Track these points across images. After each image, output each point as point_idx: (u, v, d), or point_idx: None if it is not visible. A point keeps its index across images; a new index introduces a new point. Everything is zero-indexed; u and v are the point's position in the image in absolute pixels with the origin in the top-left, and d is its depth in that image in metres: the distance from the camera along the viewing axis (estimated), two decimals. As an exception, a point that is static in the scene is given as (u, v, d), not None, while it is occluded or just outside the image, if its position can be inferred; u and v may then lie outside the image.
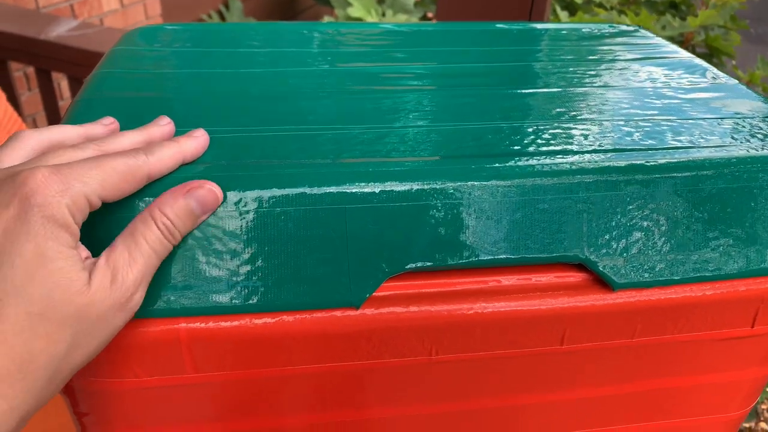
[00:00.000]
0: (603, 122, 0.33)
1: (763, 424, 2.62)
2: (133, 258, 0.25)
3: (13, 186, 0.23)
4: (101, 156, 0.26)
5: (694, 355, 0.34)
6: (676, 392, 0.36)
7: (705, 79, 0.40)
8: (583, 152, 0.30)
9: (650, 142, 0.32)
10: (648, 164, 0.30)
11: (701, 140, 0.32)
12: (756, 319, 0.33)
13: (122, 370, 0.28)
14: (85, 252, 0.26)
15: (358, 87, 0.36)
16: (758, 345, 0.34)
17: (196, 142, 0.29)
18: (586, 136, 0.32)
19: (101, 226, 0.26)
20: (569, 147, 0.31)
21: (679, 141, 0.32)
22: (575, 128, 0.33)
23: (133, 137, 0.28)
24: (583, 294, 0.30)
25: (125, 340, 0.27)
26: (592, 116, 0.34)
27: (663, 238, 0.30)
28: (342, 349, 0.29)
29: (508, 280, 0.30)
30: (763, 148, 0.32)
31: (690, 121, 0.34)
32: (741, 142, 0.32)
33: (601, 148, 0.31)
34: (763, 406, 2.72)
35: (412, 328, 0.29)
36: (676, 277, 0.30)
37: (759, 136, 0.33)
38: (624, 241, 0.30)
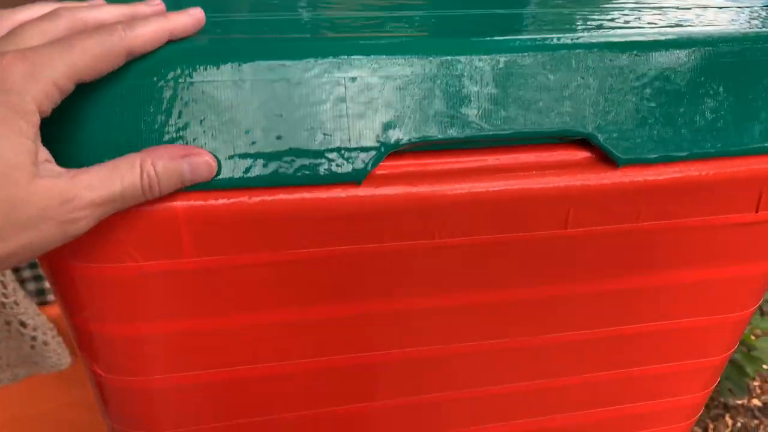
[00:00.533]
0: (605, 6, 0.33)
1: (755, 401, 2.64)
2: (100, 192, 0.24)
3: None
4: (73, 36, 0.24)
5: (699, 244, 0.33)
6: (683, 289, 0.35)
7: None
8: (586, 29, 0.30)
9: (654, 19, 0.31)
10: (650, 39, 0.30)
11: (704, 19, 0.32)
12: (760, 202, 0.32)
13: (119, 254, 0.28)
14: (45, 155, 0.24)
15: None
16: (763, 234, 0.34)
17: (189, 18, 0.28)
18: (588, 17, 0.32)
19: (78, 105, 0.25)
20: (571, 26, 0.30)
21: (683, 19, 0.32)
22: (578, 11, 0.32)
23: (114, 10, 0.27)
24: (588, 171, 0.30)
25: (122, 220, 0.27)
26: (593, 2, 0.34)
27: (666, 113, 0.30)
28: (343, 231, 0.29)
29: (510, 158, 0.29)
30: (763, 27, 0.31)
31: (693, 4, 0.34)
32: (743, 22, 0.32)
33: (603, 26, 0.31)
34: (756, 383, 2.74)
35: (415, 207, 0.29)
36: (679, 153, 0.30)
37: (760, 18, 0.33)
38: (628, 115, 0.29)
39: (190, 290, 0.29)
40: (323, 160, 0.27)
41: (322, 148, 0.27)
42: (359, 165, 0.27)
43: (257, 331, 0.32)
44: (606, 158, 0.30)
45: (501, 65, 0.28)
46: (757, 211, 0.33)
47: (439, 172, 0.29)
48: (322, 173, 0.27)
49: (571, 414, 0.40)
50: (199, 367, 0.32)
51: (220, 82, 0.26)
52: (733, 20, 0.32)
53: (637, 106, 0.29)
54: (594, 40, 0.29)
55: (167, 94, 0.26)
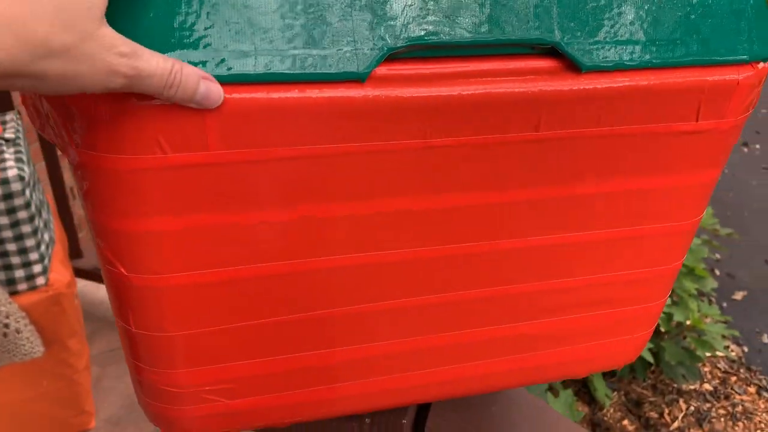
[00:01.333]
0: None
1: (706, 385, 2.76)
2: (144, 63, 0.27)
3: None
4: None
5: (649, 151, 0.39)
6: (637, 195, 0.41)
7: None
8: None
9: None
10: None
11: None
12: (699, 111, 0.38)
13: (150, 145, 0.31)
14: None
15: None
16: (704, 143, 0.40)
17: None
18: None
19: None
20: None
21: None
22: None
23: None
24: (557, 78, 0.35)
25: (153, 113, 0.30)
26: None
27: (620, 27, 0.35)
28: (347, 128, 0.33)
29: (491, 65, 0.34)
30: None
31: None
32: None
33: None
34: (706, 368, 2.87)
35: (409, 106, 0.33)
36: (631, 62, 0.35)
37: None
38: (590, 27, 0.34)
39: (213, 184, 0.33)
40: (332, 61, 0.31)
41: (332, 50, 0.31)
42: (363, 63, 0.32)
43: (268, 229, 0.36)
44: (572, 66, 0.35)
45: (481, -17, 0.33)
46: (697, 120, 0.38)
47: (429, 75, 0.33)
48: (332, 71, 0.32)
49: (530, 322, 0.45)
50: (220, 263, 0.36)
51: (242, -12, 0.30)
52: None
53: (597, 20, 0.35)
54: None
55: (197, -3, 0.29)
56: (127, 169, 0.32)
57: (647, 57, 0.36)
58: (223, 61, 0.30)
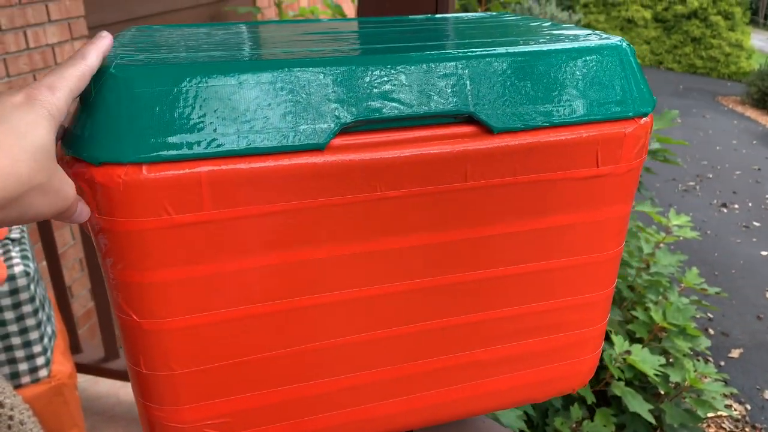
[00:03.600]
0: (481, 38, 0.49)
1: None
2: (73, 185, 0.38)
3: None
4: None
5: (563, 193, 0.48)
6: (559, 231, 0.49)
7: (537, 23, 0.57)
8: (466, 46, 0.46)
9: (510, 44, 0.47)
10: (504, 51, 0.45)
11: (535, 41, 0.48)
12: (598, 159, 0.47)
13: (157, 209, 0.40)
14: None
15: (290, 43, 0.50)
16: (608, 185, 0.49)
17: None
18: (473, 42, 0.47)
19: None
20: (459, 44, 0.46)
21: (522, 42, 0.48)
22: (466, 41, 0.48)
23: None
24: (475, 139, 0.44)
25: (160, 183, 0.39)
26: (472, 38, 0.50)
27: (525, 95, 0.45)
28: (312, 187, 0.42)
29: (423, 133, 0.44)
30: (572, 43, 0.48)
31: (527, 36, 0.50)
32: (559, 41, 0.48)
33: (482, 45, 0.46)
34: (711, 429, 2.84)
35: (361, 167, 0.42)
36: (537, 123, 0.45)
37: (569, 39, 0.49)
38: (497, 97, 0.44)
39: (207, 237, 0.41)
40: (298, 136, 0.41)
41: (297, 127, 0.41)
42: (322, 136, 0.41)
43: (253, 273, 0.44)
44: (486, 129, 0.44)
45: (411, 71, 0.43)
46: (597, 166, 0.47)
47: (375, 143, 0.43)
48: (298, 143, 0.41)
49: (483, 350, 0.52)
50: (216, 306, 0.44)
51: (226, 86, 0.40)
52: (564, 41, 0.48)
53: (503, 93, 0.44)
54: (471, 54, 0.45)
55: (192, 94, 0.39)
56: (140, 229, 0.40)
57: (549, 118, 0.45)
58: (213, 140, 0.39)
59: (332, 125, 0.41)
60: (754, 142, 6.78)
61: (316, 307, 0.46)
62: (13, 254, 1.25)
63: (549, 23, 0.58)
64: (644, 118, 0.48)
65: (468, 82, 0.44)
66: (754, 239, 4.38)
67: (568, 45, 0.47)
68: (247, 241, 0.42)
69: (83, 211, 0.41)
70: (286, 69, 0.41)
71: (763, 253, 4.20)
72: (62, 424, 1.30)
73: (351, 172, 0.42)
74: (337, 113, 0.41)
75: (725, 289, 3.58)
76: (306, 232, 0.43)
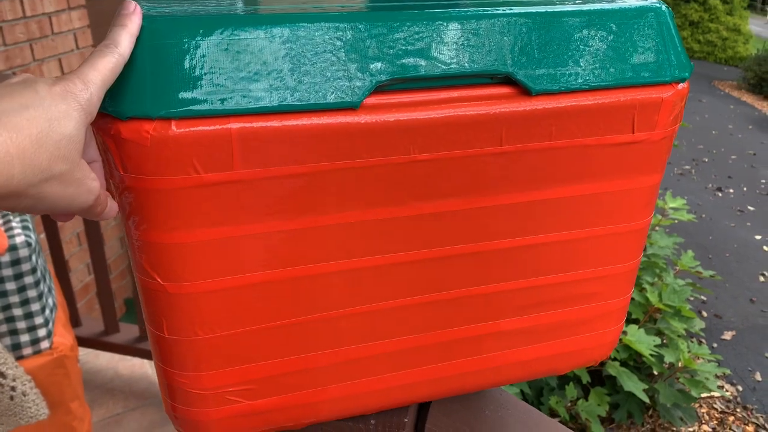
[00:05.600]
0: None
1: (705, 426, 2.77)
2: (96, 179, 0.38)
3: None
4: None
5: (597, 159, 0.46)
6: (590, 199, 0.48)
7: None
8: (507, 5, 0.44)
9: (549, 3, 0.46)
10: (549, 10, 0.44)
11: (572, 2, 0.47)
12: (634, 125, 0.46)
13: (185, 167, 0.38)
14: None
15: None
16: (642, 152, 0.48)
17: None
18: (512, 1, 0.46)
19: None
20: (496, 5, 0.44)
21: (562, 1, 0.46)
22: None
23: None
24: (512, 101, 0.43)
25: (188, 139, 0.37)
26: None
27: (563, 56, 0.43)
28: (345, 147, 0.40)
29: (459, 93, 0.42)
30: (611, 4, 0.46)
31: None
32: (597, 2, 0.47)
33: (520, 4, 0.45)
34: (703, 410, 2.88)
35: (394, 128, 0.41)
36: (574, 85, 0.43)
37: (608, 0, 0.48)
38: (537, 59, 0.43)
39: (236, 198, 0.40)
40: (331, 93, 0.39)
41: (331, 85, 0.39)
42: (356, 94, 0.40)
43: (281, 237, 0.42)
44: (524, 90, 0.43)
45: (448, 29, 0.41)
46: (633, 132, 0.46)
47: (409, 103, 0.41)
48: (332, 101, 0.39)
49: (509, 319, 0.51)
50: (243, 270, 0.42)
51: (258, 39, 0.38)
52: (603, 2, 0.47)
53: (542, 53, 0.43)
54: (509, 10, 0.43)
55: (223, 47, 0.37)
56: (167, 188, 0.39)
57: (587, 81, 0.44)
58: (245, 96, 0.38)
59: (367, 83, 0.40)
60: (750, 126, 6.79)
61: (342, 273, 0.45)
62: (14, 224, 1.24)
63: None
64: (681, 84, 0.47)
65: (506, 41, 0.42)
66: (749, 223, 4.40)
67: (607, 6, 0.45)
68: (277, 203, 0.41)
69: (112, 207, 0.40)
70: (320, 23, 0.39)
71: (757, 237, 4.23)
72: (64, 396, 1.29)
73: (384, 132, 0.41)
74: (372, 71, 0.40)
75: (719, 272, 3.60)
76: (336, 195, 0.42)
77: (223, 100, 0.37)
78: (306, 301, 0.45)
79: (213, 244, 0.41)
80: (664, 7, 0.46)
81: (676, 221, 2.85)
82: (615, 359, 2.39)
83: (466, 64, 0.42)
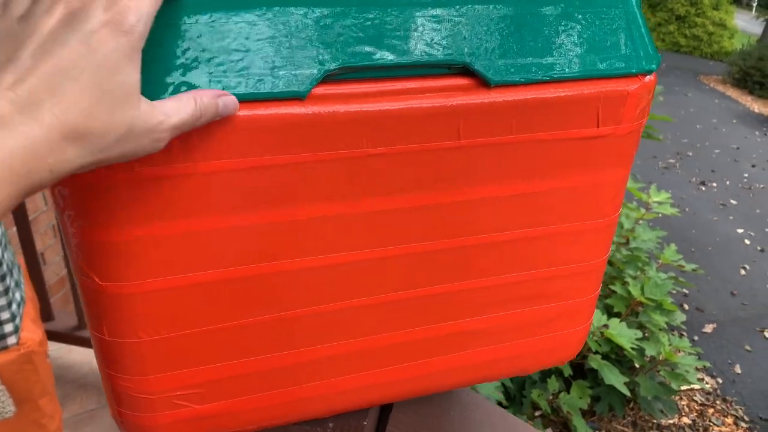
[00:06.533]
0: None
1: (685, 419, 2.79)
2: (175, 118, 0.32)
3: (99, 3, 0.29)
4: None
5: (561, 154, 0.45)
6: (554, 194, 0.46)
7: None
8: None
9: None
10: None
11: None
12: (599, 118, 0.44)
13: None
14: None
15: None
16: (608, 147, 0.46)
17: None
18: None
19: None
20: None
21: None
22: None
23: None
24: (469, 93, 0.41)
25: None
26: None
27: (524, 46, 0.41)
28: (292, 140, 0.38)
29: (413, 84, 0.40)
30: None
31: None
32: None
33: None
34: (683, 402, 2.90)
35: (345, 120, 0.39)
36: (537, 77, 0.41)
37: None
38: (495, 47, 0.41)
39: (177, 194, 0.38)
40: (277, 82, 0.37)
41: (277, 73, 0.37)
42: (303, 86, 0.37)
43: (226, 234, 0.40)
44: (482, 82, 0.41)
45: (402, 15, 0.39)
46: (598, 126, 0.44)
47: (360, 94, 0.39)
48: (276, 90, 0.37)
49: (474, 318, 0.50)
50: (186, 269, 0.40)
51: (195, 23, 0.36)
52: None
53: (501, 42, 0.41)
54: None
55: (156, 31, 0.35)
56: (102, 182, 0.36)
57: (549, 72, 0.42)
58: (181, 84, 0.35)
59: (315, 72, 0.38)
60: (734, 121, 6.83)
61: (293, 272, 0.43)
62: (-22, 217, 1.20)
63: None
64: (648, 76, 0.45)
65: (464, 29, 0.40)
66: (731, 217, 4.43)
67: (571, -6, 0.43)
68: (220, 199, 0.39)
69: (226, 104, 0.35)
70: (263, 7, 0.37)
71: (739, 230, 4.25)
72: (32, 393, 1.26)
73: (334, 125, 0.39)
74: (320, 58, 0.38)
75: (701, 266, 3.62)
76: (283, 190, 0.40)
77: (158, 91, 0.35)
78: (257, 302, 0.43)
79: (154, 242, 0.39)
80: (631, -5, 0.45)
81: (660, 215, 2.86)
82: (597, 352, 2.40)
83: (420, 54, 0.40)
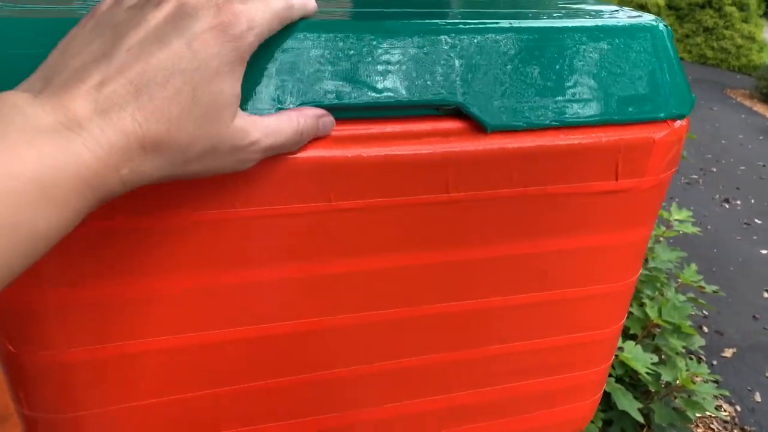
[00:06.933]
0: (480, 8, 0.38)
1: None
2: (271, 139, 0.28)
3: (213, 3, 0.26)
4: None
5: (571, 210, 0.38)
6: (560, 257, 0.39)
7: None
8: (457, 16, 0.35)
9: (515, 17, 0.37)
10: (511, 26, 0.35)
11: (548, 15, 0.37)
12: (618, 170, 0.37)
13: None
14: None
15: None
16: (628, 202, 0.39)
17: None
18: (469, 12, 0.37)
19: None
20: (446, 17, 0.35)
21: (531, 15, 0.37)
22: (461, 10, 0.38)
23: None
24: (462, 139, 0.34)
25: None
26: (469, 7, 0.39)
27: (529, 85, 0.34)
28: (239, 193, 0.32)
29: (392, 127, 0.33)
30: (594, 21, 0.37)
31: (539, 8, 0.40)
32: (577, 17, 0.37)
33: (479, 16, 0.36)
34: (699, 429, 2.79)
35: (310, 168, 0.32)
36: (542, 121, 0.34)
37: (590, 15, 0.39)
38: (494, 86, 0.34)
39: (92, 251, 0.31)
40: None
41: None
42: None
43: (166, 300, 0.34)
44: (478, 126, 0.34)
45: (382, 46, 0.32)
46: (617, 179, 0.37)
47: (330, 139, 0.32)
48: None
49: (465, 392, 0.43)
50: (117, 336, 0.34)
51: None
52: (571, 16, 0.38)
53: (503, 80, 0.34)
54: (461, 25, 0.34)
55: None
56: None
57: (558, 116, 0.35)
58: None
59: (271, 110, 0.31)
60: (761, 137, 6.65)
61: (243, 342, 0.36)
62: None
63: (565, -5, 0.47)
64: (679, 121, 0.38)
65: (457, 63, 0.33)
66: (755, 237, 4.29)
67: (588, 23, 0.36)
68: (158, 257, 0.32)
69: (326, 126, 0.31)
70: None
71: (763, 251, 4.11)
72: None
73: (296, 174, 0.32)
74: (279, 95, 0.31)
75: (722, 287, 3.49)
76: (238, 249, 0.33)
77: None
78: (199, 374, 0.37)
79: (76, 306, 0.33)
80: (662, 26, 0.37)
81: (680, 233, 2.76)
82: (610, 375, 2.31)
83: (403, 92, 0.33)
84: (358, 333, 0.38)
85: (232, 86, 0.26)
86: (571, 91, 0.35)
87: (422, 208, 0.35)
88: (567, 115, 0.35)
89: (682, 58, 10.34)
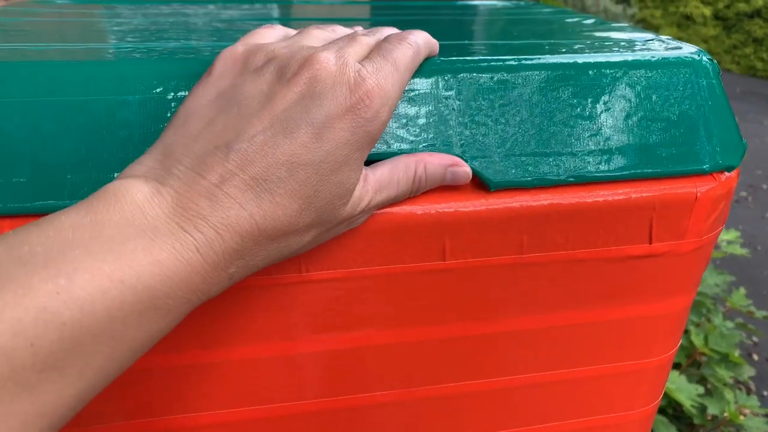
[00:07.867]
0: (489, 40, 0.33)
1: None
2: (383, 195, 0.26)
3: (345, 80, 0.23)
4: (396, 58, 0.25)
5: (593, 281, 0.32)
6: (583, 331, 0.33)
7: (573, 18, 0.40)
8: (463, 51, 0.30)
9: (528, 51, 0.31)
10: (515, 63, 0.29)
11: (567, 47, 0.32)
12: (652, 232, 0.31)
13: None
14: None
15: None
16: (663, 267, 0.32)
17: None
18: (473, 46, 0.31)
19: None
20: (446, 51, 0.30)
21: (548, 48, 0.32)
22: (465, 42, 0.32)
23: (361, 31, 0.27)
24: (460, 197, 0.28)
25: None
26: (475, 39, 0.34)
27: (539, 134, 0.29)
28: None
29: (378, 184, 0.28)
30: (623, 54, 0.31)
31: (557, 38, 0.34)
32: (603, 50, 0.32)
33: (485, 51, 0.30)
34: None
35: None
36: (558, 178, 0.29)
37: (619, 47, 0.33)
38: (499, 137, 0.28)
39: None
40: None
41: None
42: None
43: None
44: (479, 183, 0.28)
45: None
46: (650, 242, 0.31)
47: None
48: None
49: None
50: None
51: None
52: (593, 48, 0.32)
53: (509, 128, 0.28)
54: (459, 64, 0.29)
55: None
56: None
57: (577, 171, 0.29)
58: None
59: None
60: (814, 152, 6.35)
61: (221, 426, 0.31)
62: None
63: (593, 20, 0.42)
64: (726, 173, 0.31)
65: (454, 107, 0.28)
66: (809, 258, 4.07)
67: (616, 57, 0.30)
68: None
69: (456, 176, 0.28)
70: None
71: (818, 274, 3.89)
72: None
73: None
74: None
75: (773, 311, 3.30)
76: (194, 327, 0.28)
77: None
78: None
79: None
80: (705, 60, 0.31)
81: (728, 254, 2.62)
82: (652, 407, 2.19)
83: (389, 143, 0.27)
84: (368, 414, 0.33)
85: (357, 170, 0.23)
86: (594, 138, 0.29)
87: (410, 278, 0.29)
88: (588, 169, 0.29)
89: (729, 70, 10.02)
